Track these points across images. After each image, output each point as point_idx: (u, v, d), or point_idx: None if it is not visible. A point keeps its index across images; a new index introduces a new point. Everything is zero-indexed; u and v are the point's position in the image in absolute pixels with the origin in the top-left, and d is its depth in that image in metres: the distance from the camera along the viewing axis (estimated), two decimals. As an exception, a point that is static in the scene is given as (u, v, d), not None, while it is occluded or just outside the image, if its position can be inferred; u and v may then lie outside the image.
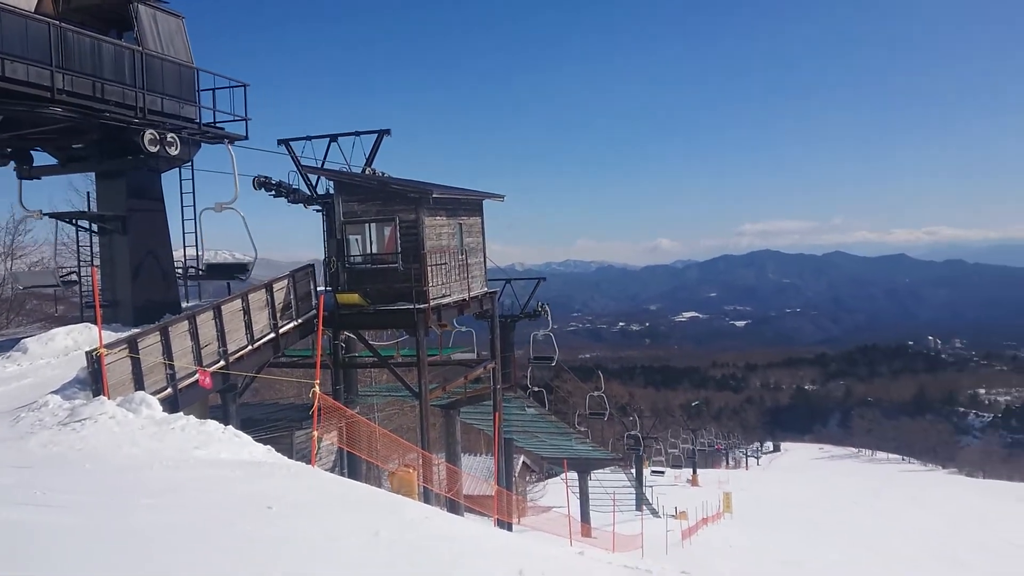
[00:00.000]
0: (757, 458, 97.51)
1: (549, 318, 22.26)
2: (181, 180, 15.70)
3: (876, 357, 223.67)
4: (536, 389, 27.66)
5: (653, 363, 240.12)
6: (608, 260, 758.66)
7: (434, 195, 15.76)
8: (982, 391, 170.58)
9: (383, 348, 19.09)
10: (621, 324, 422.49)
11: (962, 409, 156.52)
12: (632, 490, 42.95)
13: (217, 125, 15.74)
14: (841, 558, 27.47)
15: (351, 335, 17.75)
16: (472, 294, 17.89)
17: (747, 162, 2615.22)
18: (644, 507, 41.28)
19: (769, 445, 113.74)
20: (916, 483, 79.52)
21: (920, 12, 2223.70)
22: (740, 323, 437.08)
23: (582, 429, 32.80)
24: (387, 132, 17.57)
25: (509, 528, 18.89)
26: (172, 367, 11.48)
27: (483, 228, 19.07)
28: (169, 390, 11.34)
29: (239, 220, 15.88)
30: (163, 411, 9.44)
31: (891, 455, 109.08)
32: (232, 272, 16.39)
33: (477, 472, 33.92)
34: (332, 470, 17.11)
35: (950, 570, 29.81)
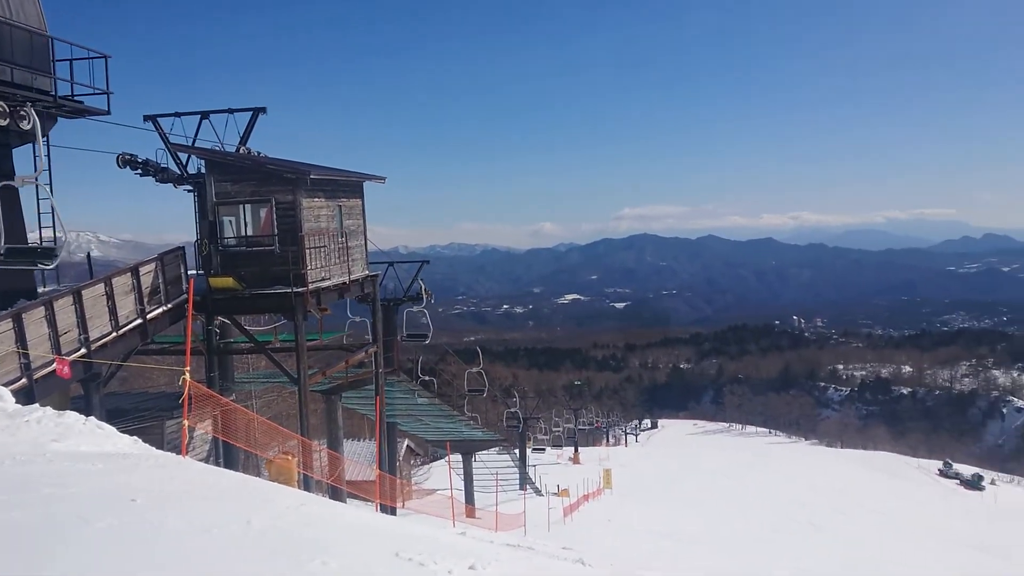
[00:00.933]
0: (636, 435, 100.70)
1: (424, 294, 22.11)
2: (35, 157, 14.62)
3: (746, 336, 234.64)
4: (427, 378, 27.61)
5: (536, 345, 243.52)
6: (493, 243, 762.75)
7: (312, 176, 15.35)
8: (840, 367, 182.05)
9: (260, 333, 18.53)
10: (505, 307, 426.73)
11: (823, 384, 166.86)
12: (516, 470, 43.58)
13: (75, 98, 14.72)
14: (712, 527, 28.84)
15: (226, 320, 17.08)
16: (353, 277, 17.60)
17: (627, 149, 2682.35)
18: (527, 486, 41.99)
19: (647, 422, 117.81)
20: (781, 455, 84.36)
21: (785, 8, 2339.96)
22: (620, 305, 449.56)
23: (474, 416, 33.01)
24: (262, 110, 16.90)
25: (393, 512, 18.80)
26: (27, 356, 10.78)
27: (364, 210, 18.75)
28: (23, 380, 10.65)
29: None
30: (16, 403, 8.85)
31: (759, 429, 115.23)
32: (34, 257, 13.98)
33: (361, 457, 33.53)
34: (207, 460, 16.51)
35: (810, 534, 31.81)
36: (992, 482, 76.15)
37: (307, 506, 6.18)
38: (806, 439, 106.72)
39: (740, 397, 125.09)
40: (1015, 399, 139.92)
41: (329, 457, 17.54)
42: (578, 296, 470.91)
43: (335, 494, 16.70)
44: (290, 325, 16.48)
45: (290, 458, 13.47)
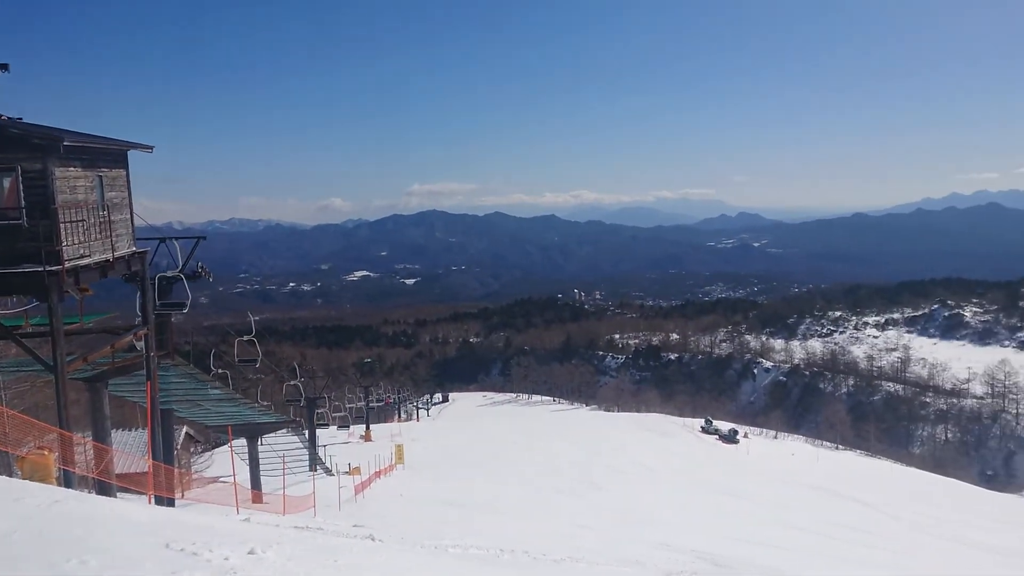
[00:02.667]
0: (427, 409, 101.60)
1: (200, 271, 20.65)
2: None
3: (531, 309, 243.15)
4: (222, 371, 26.08)
5: (325, 323, 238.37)
6: (277, 219, 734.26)
7: (66, 142, 13.84)
8: (617, 336, 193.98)
9: (7, 318, 16.58)
10: (292, 284, 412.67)
11: (601, 353, 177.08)
12: (305, 451, 42.51)
13: None
14: (501, 493, 29.86)
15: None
16: (117, 254, 16.13)
17: (417, 126, 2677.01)
18: (318, 467, 41.11)
19: (438, 396, 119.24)
20: (564, 420, 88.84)
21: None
22: (410, 281, 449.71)
23: (268, 404, 31.59)
24: (4, 67, 14.99)
25: (171, 504, 17.68)
26: None
27: (129, 182, 17.19)
28: None
29: None
30: None
31: (544, 397, 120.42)
32: None
33: (133, 448, 31.22)
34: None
35: (589, 491, 33.82)
36: (745, 435, 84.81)
37: (63, 503, 5.65)
38: (586, 405, 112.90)
39: (526, 368, 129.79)
40: (764, 361, 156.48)
41: (95, 450, 16.13)
42: (368, 272, 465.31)
43: (103, 489, 15.42)
44: (44, 308, 14.86)
45: (47, 453, 12.25)
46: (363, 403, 71.26)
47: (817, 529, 28.55)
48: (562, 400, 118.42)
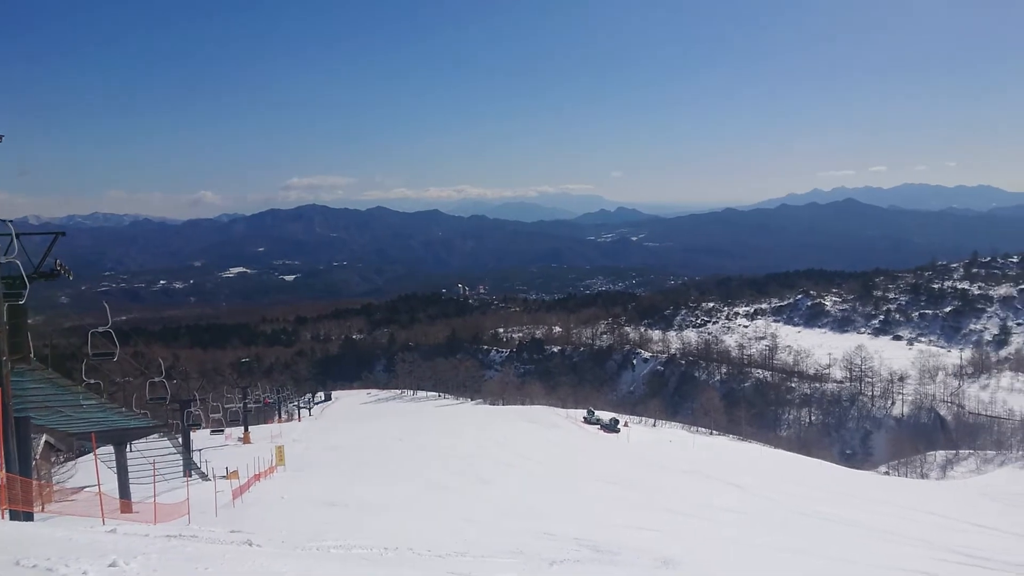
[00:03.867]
0: (309, 409, 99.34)
1: (59, 269, 19.26)
2: None
3: (415, 305, 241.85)
4: (93, 381, 24.42)
5: (199, 322, 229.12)
6: (144, 213, 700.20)
7: (-101, 130, 12.67)
8: (501, 330, 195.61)
9: None
10: (163, 282, 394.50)
11: (486, 347, 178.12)
12: (179, 457, 40.70)
13: None
14: (385, 491, 29.54)
15: None
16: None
17: (294, 118, 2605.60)
18: (192, 472, 39.45)
19: (321, 395, 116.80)
20: (450, 415, 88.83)
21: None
22: (290, 277, 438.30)
23: (141, 411, 29.90)
24: None
25: (29, 518, 16.53)
26: None
27: (-25, 173, 15.89)
28: None
29: None
30: None
31: (429, 393, 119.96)
32: None
33: (-16, 461, 29.01)
34: None
35: (475, 485, 33.95)
36: (626, 424, 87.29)
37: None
38: (472, 399, 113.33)
39: (411, 364, 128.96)
40: (643, 351, 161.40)
41: (-62, 464, 14.84)
42: (245, 269, 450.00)
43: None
44: None
45: None
46: (241, 404, 68.94)
47: (693, 511, 29.72)
48: (448, 395, 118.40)
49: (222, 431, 58.14)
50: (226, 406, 68.35)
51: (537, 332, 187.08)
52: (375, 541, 15.33)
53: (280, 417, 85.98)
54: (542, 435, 70.38)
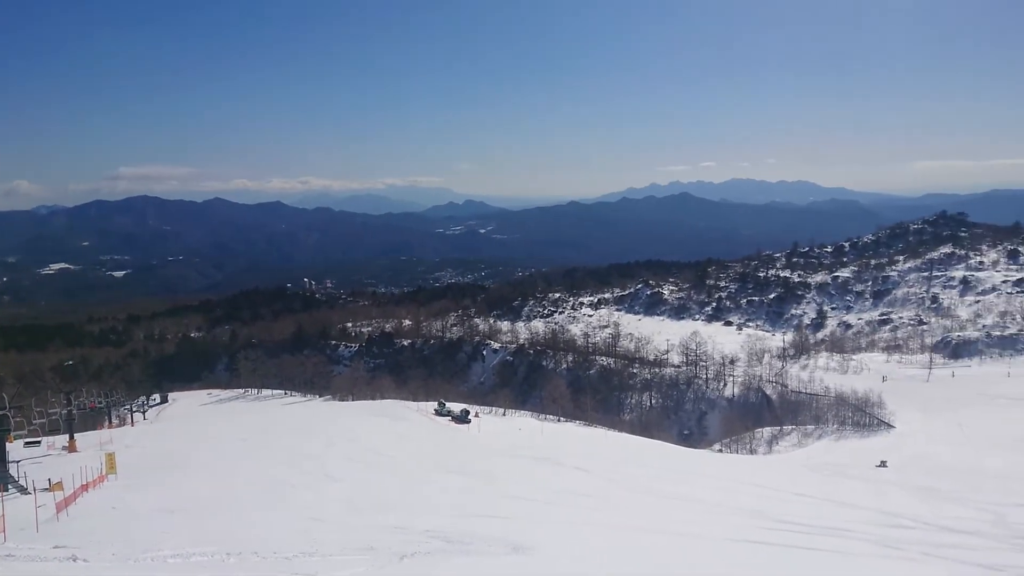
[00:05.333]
0: (144, 412, 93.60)
1: None
2: None
3: (258, 300, 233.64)
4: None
5: (15, 323, 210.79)
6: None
7: None
8: (350, 324, 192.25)
9: None
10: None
11: (334, 342, 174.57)
12: (-9, 470, 37.23)
13: None
14: (228, 493, 28.37)
15: None
16: None
17: (120, 101, 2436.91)
18: (9, 486, 36.24)
19: (156, 397, 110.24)
20: (297, 413, 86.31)
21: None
22: (119, 273, 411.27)
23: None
24: None
25: None
26: None
27: None
28: None
29: None
30: None
31: (275, 391, 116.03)
32: None
33: None
34: None
35: (324, 483, 33.22)
36: (476, 415, 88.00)
37: None
38: (320, 396, 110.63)
39: (255, 362, 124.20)
40: (492, 342, 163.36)
41: None
42: (67, 265, 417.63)
43: None
44: None
45: None
46: (65, 410, 63.95)
47: (542, 497, 30.43)
48: (295, 393, 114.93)
49: (38, 442, 53.45)
50: (49, 412, 63.20)
51: (387, 326, 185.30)
52: (217, 547, 14.70)
53: (111, 422, 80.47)
54: (392, 429, 69.80)
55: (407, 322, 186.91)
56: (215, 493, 28.65)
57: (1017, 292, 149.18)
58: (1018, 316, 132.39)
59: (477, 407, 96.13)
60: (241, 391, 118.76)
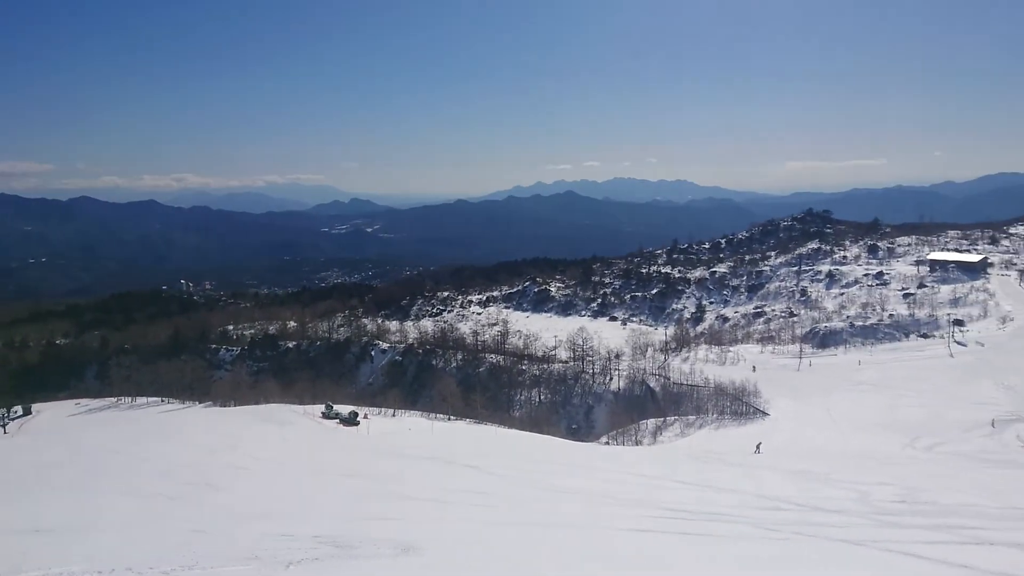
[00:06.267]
0: (3, 426, 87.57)
1: None
2: None
3: (132, 304, 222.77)
4: None
5: None
6: None
7: None
8: (231, 327, 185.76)
9: None
10: None
11: (214, 346, 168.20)
12: None
13: None
14: (100, 508, 26.85)
15: None
16: None
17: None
18: None
19: (17, 409, 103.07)
20: (176, 421, 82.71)
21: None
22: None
23: None
24: None
25: None
26: None
27: None
28: None
29: None
30: None
31: (151, 399, 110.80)
32: None
33: None
34: None
35: (206, 493, 31.93)
36: (365, 416, 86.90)
37: None
38: (200, 402, 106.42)
39: (128, 368, 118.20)
40: (381, 343, 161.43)
41: None
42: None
43: None
44: None
45: None
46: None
47: (433, 497, 30.29)
48: (173, 400, 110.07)
49: None
50: None
51: (271, 328, 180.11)
52: (87, 567, 13.86)
53: (-35, 438, 74.81)
54: (278, 434, 67.95)
55: (292, 323, 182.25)
56: (85, 509, 27.05)
57: (877, 284, 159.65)
58: (877, 307, 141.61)
59: (366, 408, 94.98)
60: (114, 400, 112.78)
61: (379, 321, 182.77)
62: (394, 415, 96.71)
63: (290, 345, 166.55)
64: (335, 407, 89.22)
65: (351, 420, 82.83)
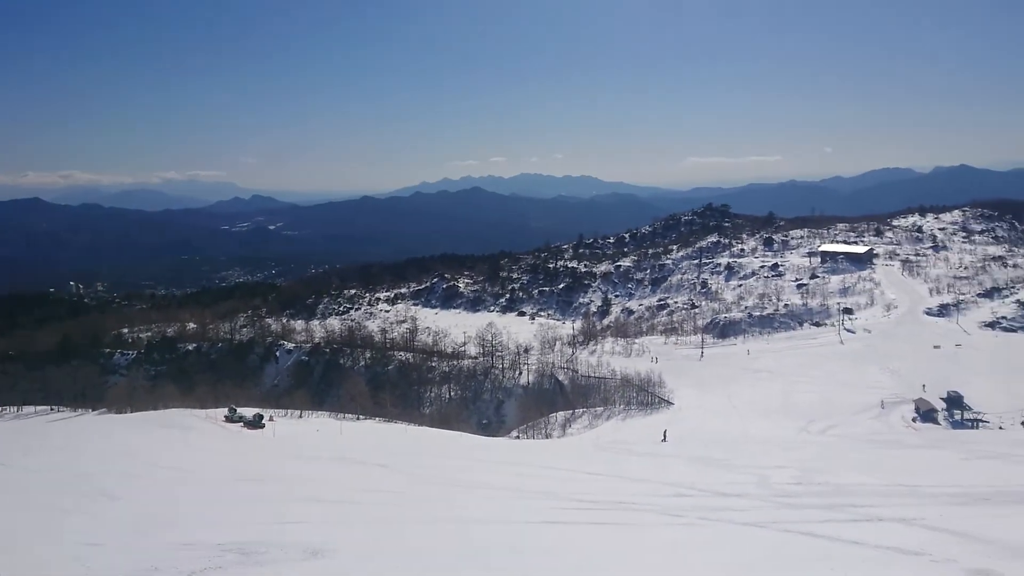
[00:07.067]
0: None
1: None
2: None
3: (15, 308, 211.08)
4: None
5: None
6: None
7: None
8: (126, 330, 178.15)
9: None
10: None
11: (108, 350, 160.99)
12: None
13: None
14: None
15: None
16: None
17: None
18: None
19: None
20: (67, 430, 78.76)
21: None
22: None
23: None
24: None
25: None
26: None
27: None
28: None
29: None
30: None
31: (39, 407, 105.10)
32: None
33: None
34: None
35: (101, 504, 30.53)
36: (271, 419, 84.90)
37: None
38: (94, 410, 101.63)
39: (13, 376, 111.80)
40: (286, 343, 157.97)
41: None
42: None
43: None
44: None
45: None
46: None
47: (342, 498, 29.89)
48: (63, 408, 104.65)
49: None
50: None
51: (169, 330, 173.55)
52: (-31, 587, 13.06)
53: None
54: (179, 440, 65.58)
55: (192, 325, 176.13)
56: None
57: (772, 276, 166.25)
58: (773, 297, 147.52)
59: (272, 410, 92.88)
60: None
61: (284, 321, 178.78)
62: (301, 416, 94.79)
63: (190, 347, 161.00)
64: (239, 410, 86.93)
65: (256, 423, 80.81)
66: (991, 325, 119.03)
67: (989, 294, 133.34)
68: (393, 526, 22.15)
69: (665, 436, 64.96)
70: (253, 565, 15.25)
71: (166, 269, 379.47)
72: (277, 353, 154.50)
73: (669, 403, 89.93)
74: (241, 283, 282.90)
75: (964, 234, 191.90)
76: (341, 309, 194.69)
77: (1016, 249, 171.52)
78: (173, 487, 37.01)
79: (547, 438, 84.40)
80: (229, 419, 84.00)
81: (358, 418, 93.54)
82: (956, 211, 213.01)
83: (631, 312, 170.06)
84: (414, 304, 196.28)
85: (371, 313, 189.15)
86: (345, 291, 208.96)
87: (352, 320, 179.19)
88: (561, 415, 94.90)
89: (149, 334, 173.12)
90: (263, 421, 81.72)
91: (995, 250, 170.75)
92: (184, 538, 19.32)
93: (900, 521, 16.91)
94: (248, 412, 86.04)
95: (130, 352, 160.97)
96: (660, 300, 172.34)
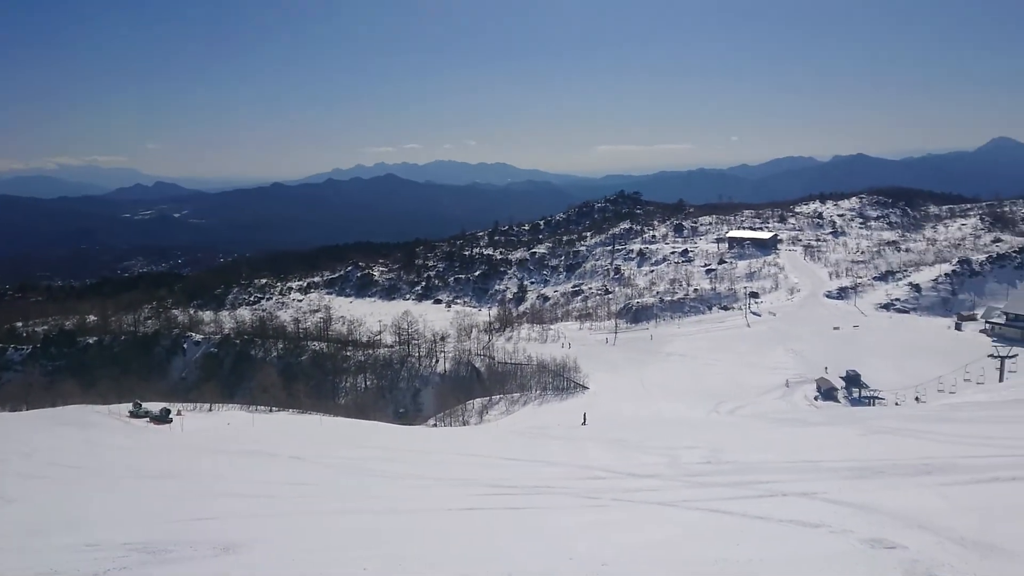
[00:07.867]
0: None
1: None
2: None
3: None
4: None
5: None
6: None
7: None
8: (20, 324, 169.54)
9: None
10: None
11: (1, 345, 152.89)
12: None
13: None
14: None
15: None
16: None
17: None
18: None
19: None
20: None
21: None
22: None
23: None
24: None
25: None
26: None
27: None
28: None
29: None
30: None
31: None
32: None
33: None
34: None
35: (-5, 509, 29.05)
36: (179, 413, 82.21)
37: None
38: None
39: None
40: (194, 334, 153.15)
41: None
42: None
43: None
44: None
45: None
46: None
47: (255, 492, 29.25)
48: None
49: None
50: None
51: (67, 323, 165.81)
52: None
53: None
54: (79, 437, 62.79)
55: (92, 317, 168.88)
56: None
57: (682, 261, 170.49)
58: (684, 283, 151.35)
59: (179, 404, 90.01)
60: None
61: (191, 312, 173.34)
62: (211, 410, 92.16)
63: (91, 341, 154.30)
64: (144, 405, 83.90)
65: (163, 418, 78.15)
66: (886, 307, 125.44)
67: (884, 277, 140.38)
68: (308, 519, 21.80)
69: (585, 419, 65.97)
70: (160, 564, 14.76)
71: (63, 259, 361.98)
72: (184, 345, 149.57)
73: (584, 388, 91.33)
74: (145, 273, 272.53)
75: (861, 220, 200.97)
76: (252, 299, 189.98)
77: (908, 234, 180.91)
78: (73, 487, 35.46)
79: (464, 425, 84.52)
80: (134, 414, 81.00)
81: (271, 410, 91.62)
82: (854, 198, 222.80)
83: (546, 299, 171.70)
84: (328, 293, 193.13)
85: (283, 303, 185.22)
86: (256, 281, 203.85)
87: (263, 310, 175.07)
88: (478, 402, 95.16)
89: (45, 327, 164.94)
90: (170, 416, 79.14)
91: (889, 235, 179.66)
92: (86, 539, 18.54)
93: (802, 495, 17.63)
94: (154, 407, 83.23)
95: (24, 347, 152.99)
96: (575, 286, 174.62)
